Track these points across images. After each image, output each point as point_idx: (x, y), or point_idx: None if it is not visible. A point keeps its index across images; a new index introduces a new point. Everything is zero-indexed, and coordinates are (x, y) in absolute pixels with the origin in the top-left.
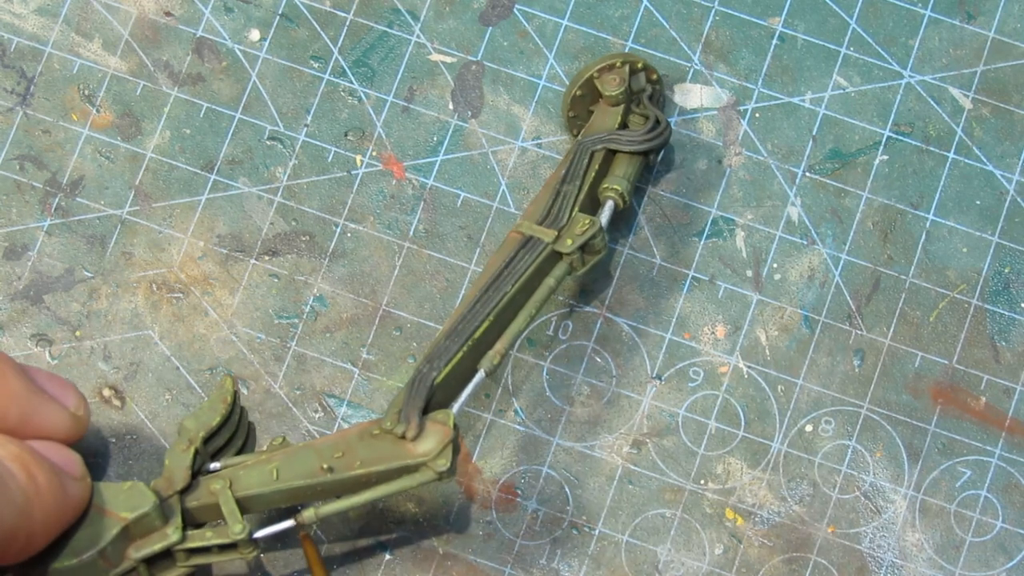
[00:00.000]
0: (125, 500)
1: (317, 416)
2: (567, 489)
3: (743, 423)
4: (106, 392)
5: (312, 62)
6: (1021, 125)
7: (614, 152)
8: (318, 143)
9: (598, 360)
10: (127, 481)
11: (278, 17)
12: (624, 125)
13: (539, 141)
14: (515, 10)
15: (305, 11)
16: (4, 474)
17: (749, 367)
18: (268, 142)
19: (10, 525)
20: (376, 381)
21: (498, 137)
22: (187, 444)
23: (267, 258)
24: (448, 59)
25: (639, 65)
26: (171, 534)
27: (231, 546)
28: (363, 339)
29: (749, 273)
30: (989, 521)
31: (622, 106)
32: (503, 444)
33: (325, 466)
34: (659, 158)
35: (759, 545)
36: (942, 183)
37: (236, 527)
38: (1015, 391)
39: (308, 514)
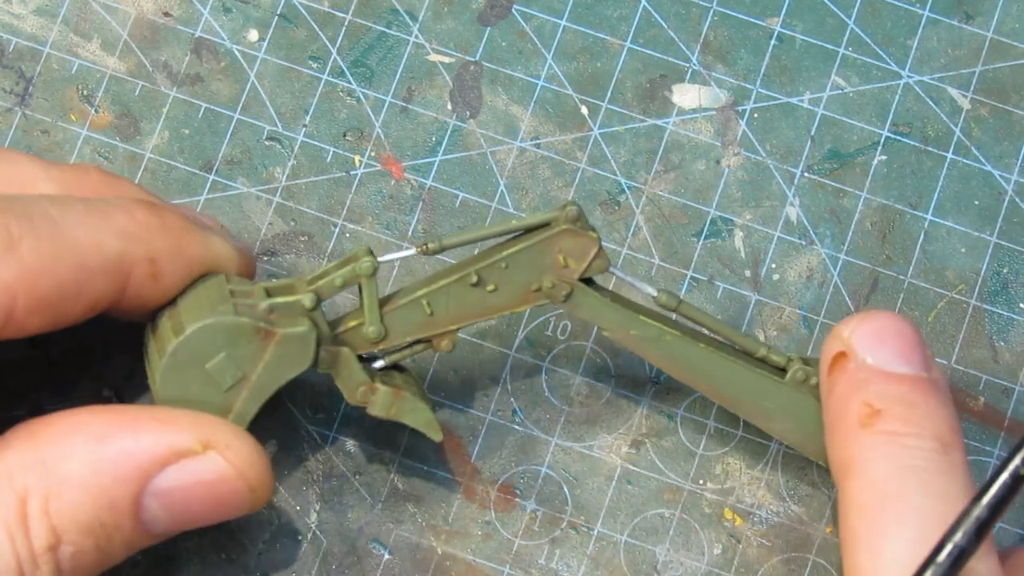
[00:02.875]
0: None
1: (317, 417)
2: (566, 489)
3: (742, 423)
4: (106, 392)
5: (310, 62)
6: (1019, 125)
7: None
8: (316, 143)
9: (597, 360)
10: None
11: (276, 17)
12: None
13: (537, 141)
14: (513, 10)
15: (303, 11)
16: (105, 207)
17: None
18: (267, 142)
19: (117, 249)
20: None
21: (497, 137)
22: None
23: (266, 258)
24: (446, 59)
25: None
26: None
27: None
28: None
29: (748, 273)
30: None
31: None
32: (502, 444)
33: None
34: None
35: (758, 545)
36: (940, 183)
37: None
38: (1014, 391)
39: (433, 244)
